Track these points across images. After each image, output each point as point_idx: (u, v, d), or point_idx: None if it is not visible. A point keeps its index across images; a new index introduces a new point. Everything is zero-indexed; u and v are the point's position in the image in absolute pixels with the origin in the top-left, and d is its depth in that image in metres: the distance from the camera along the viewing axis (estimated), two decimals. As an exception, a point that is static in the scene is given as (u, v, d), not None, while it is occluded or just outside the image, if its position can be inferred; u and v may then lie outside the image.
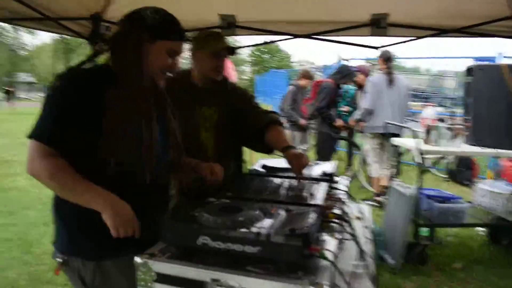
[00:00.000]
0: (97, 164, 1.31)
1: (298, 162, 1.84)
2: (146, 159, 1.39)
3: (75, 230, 1.40)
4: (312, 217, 1.27)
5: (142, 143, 1.38)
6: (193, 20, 3.00)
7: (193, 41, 2.13)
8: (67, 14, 2.86)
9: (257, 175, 1.95)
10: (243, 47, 4.40)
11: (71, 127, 1.30)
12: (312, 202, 1.48)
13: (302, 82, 6.40)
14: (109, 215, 1.26)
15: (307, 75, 6.40)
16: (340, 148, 7.72)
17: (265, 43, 3.56)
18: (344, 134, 6.32)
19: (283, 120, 6.54)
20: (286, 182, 1.77)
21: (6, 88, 28.03)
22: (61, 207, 1.41)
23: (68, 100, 1.32)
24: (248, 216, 1.26)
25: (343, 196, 1.82)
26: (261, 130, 2.11)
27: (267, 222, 1.24)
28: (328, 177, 1.88)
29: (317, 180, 1.84)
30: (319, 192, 1.63)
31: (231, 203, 1.43)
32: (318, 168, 2.06)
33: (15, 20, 2.42)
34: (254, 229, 1.17)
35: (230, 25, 2.94)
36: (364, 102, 5.32)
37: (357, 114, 5.50)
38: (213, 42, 2.07)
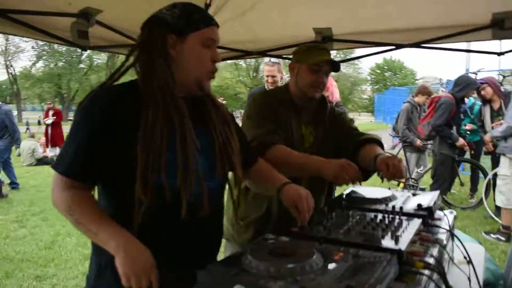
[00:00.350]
0: (126, 194, 1.16)
1: (389, 167, 1.60)
2: (181, 186, 1.19)
3: (102, 266, 1.28)
4: (383, 268, 0.99)
5: (176, 166, 1.18)
6: (288, 36, 2.87)
7: (294, 54, 2.01)
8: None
9: (339, 206, 1.68)
10: (344, 61, 4.14)
11: (93, 157, 1.17)
12: (393, 246, 1.18)
13: (419, 98, 5.83)
14: (121, 261, 1.09)
15: (424, 90, 5.81)
16: (464, 172, 6.83)
17: (368, 55, 3.26)
18: (467, 155, 5.56)
19: (397, 141, 6.09)
20: (370, 217, 1.48)
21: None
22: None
23: (88, 127, 1.19)
24: (300, 262, 1.02)
25: (442, 236, 1.47)
26: (354, 151, 1.89)
27: (322, 273, 0.99)
28: (423, 212, 1.53)
29: (409, 215, 1.51)
30: (407, 232, 1.31)
31: (289, 242, 1.21)
32: (415, 200, 1.71)
33: (109, 47, 2.54)
34: (301, 282, 0.94)
35: (326, 38, 2.72)
36: (509, 118, 4.46)
37: (497, 132, 4.63)
38: (313, 54, 1.89)
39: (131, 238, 1.14)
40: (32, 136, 12.26)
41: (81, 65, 41.62)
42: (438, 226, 1.56)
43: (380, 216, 1.48)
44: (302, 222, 1.38)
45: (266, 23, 2.77)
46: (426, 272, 1.15)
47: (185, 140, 1.20)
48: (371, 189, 1.89)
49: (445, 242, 1.46)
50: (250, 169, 1.55)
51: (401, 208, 1.58)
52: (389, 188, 1.90)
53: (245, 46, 3.00)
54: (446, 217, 1.67)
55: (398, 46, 2.66)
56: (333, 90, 3.85)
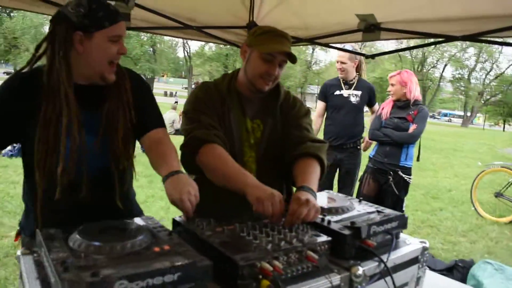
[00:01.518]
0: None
1: (295, 210, 1.33)
2: (61, 170, 1.33)
3: (28, 211, 1.54)
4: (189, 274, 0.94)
5: (59, 150, 1.33)
6: (334, 23, 2.71)
7: (248, 36, 1.77)
8: (219, 23, 3.03)
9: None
10: (380, 54, 3.62)
11: None
12: (233, 256, 1.08)
13: None
14: None
15: None
16: None
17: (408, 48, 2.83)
18: None
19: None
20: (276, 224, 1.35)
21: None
22: (24, 189, 1.55)
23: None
24: (108, 244, 1.02)
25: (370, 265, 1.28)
26: (290, 163, 1.69)
27: (115, 258, 0.97)
28: (346, 232, 1.31)
29: (326, 230, 1.32)
30: (282, 246, 1.16)
31: (134, 225, 1.19)
32: (366, 218, 1.46)
33: (150, 29, 2.73)
34: (89, 260, 0.95)
35: (371, 27, 2.46)
36: None
37: None
38: (267, 41, 1.65)
39: None
40: (174, 108, 13.74)
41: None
42: (372, 252, 1.32)
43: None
44: (187, 214, 1.34)
45: (312, 8, 2.65)
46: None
47: (71, 134, 1.34)
48: (335, 195, 1.70)
49: (360, 272, 1.24)
50: (142, 138, 1.57)
51: (329, 222, 1.39)
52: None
53: (296, 32, 2.91)
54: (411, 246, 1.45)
55: (449, 38, 2.26)
56: (412, 87, 3.41)
